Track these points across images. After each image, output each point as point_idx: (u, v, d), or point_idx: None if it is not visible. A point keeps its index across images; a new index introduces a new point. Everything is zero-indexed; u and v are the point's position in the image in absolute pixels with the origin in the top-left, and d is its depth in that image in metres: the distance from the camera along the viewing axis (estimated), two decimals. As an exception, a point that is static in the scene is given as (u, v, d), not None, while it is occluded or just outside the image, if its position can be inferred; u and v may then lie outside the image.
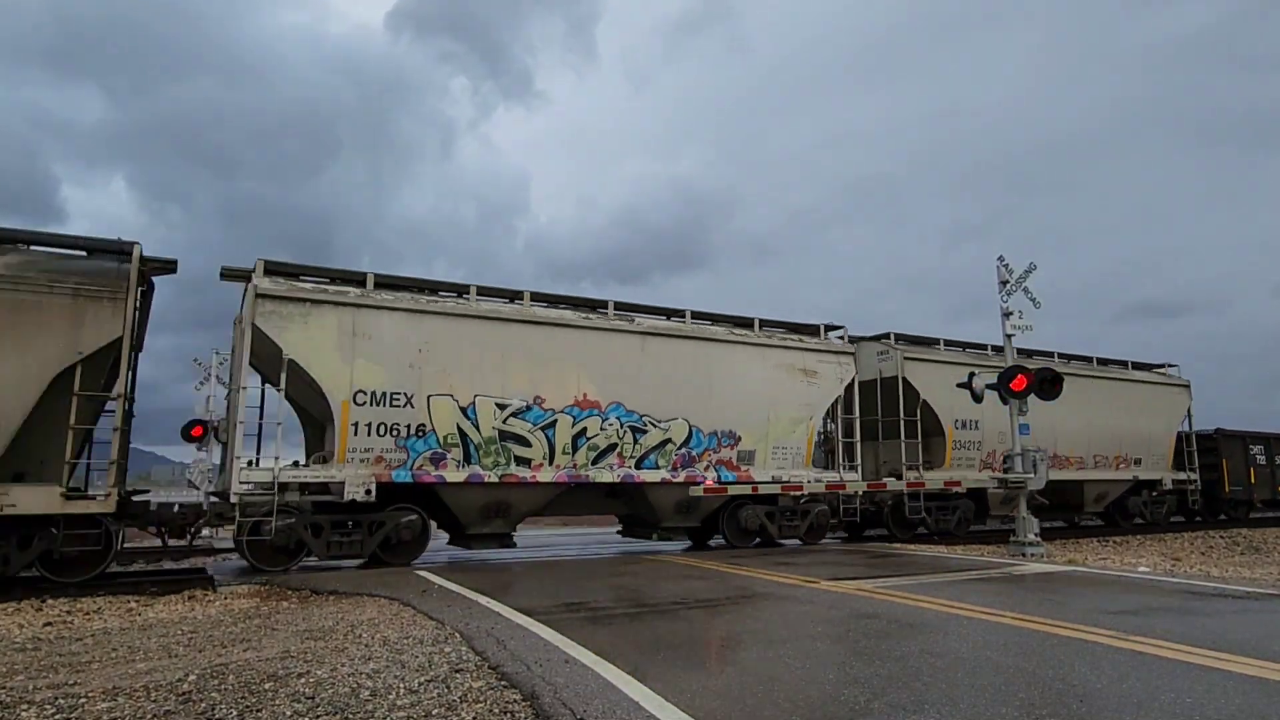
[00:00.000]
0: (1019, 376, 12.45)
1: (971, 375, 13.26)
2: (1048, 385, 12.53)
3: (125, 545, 11.12)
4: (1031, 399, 12.54)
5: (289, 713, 3.88)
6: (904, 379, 15.57)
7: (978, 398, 13.19)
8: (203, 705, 4.01)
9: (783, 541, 13.94)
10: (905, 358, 15.74)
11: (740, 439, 13.55)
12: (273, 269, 10.81)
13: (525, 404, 11.84)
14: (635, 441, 12.59)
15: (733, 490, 12.86)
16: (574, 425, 12.13)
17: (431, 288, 11.95)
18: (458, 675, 4.51)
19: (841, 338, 15.29)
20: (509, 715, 3.79)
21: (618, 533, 15.02)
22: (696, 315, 13.77)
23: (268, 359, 10.68)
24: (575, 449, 12.09)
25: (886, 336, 16.28)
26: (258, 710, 3.92)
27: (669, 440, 12.88)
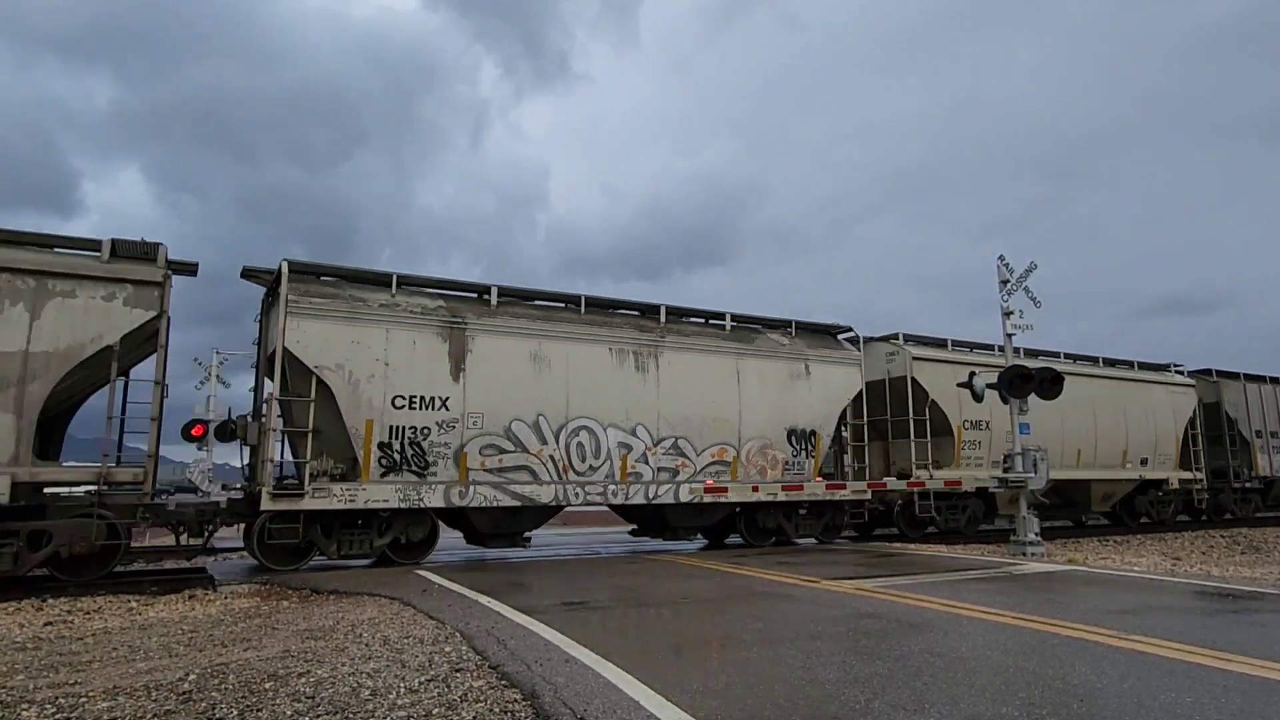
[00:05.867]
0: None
1: (972, 374, 13.28)
2: (1048, 385, 12.63)
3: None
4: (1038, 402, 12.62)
5: (289, 712, 3.88)
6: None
7: (978, 397, 13.23)
8: (203, 705, 4.01)
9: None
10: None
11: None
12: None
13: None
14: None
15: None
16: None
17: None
18: (458, 675, 4.51)
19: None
20: (509, 715, 3.79)
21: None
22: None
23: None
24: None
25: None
26: (258, 710, 3.92)
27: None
